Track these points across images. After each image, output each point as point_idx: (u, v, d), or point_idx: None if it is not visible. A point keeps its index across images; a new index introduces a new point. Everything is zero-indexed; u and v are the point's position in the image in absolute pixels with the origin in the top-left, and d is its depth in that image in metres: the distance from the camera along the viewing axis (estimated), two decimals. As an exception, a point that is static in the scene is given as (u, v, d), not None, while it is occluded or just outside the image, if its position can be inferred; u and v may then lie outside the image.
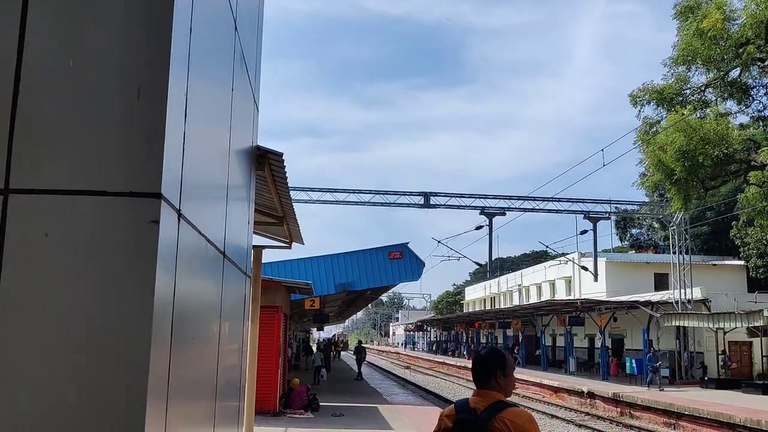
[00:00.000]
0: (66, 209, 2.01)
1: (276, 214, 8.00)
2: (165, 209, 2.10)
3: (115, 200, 2.02)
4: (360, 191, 33.44)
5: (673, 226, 33.39)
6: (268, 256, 18.45)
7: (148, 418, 1.96)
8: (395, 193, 34.14)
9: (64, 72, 2.07)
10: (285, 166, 5.55)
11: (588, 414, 25.04)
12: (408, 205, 34.28)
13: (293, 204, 8.65)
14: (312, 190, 32.57)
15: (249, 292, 5.01)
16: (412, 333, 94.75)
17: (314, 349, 34.52)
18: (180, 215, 2.35)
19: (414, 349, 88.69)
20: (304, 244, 10.58)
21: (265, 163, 5.29)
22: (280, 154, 5.14)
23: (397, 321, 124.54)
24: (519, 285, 59.18)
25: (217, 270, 3.36)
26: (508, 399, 3.43)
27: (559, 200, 35.15)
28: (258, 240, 10.53)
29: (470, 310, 68.94)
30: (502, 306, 57.83)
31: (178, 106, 2.26)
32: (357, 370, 33.59)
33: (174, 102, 2.17)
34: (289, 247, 10.44)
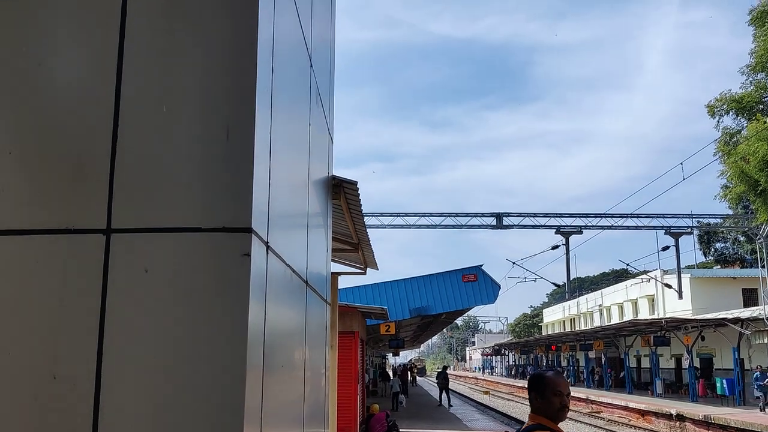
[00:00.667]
0: (164, 246, 2.13)
1: (351, 240, 8.13)
2: (255, 242, 2.20)
3: (209, 236, 2.13)
4: (431, 215, 33.42)
5: (760, 239, 31.83)
6: (343, 282, 18.67)
7: (245, 444, 2.03)
8: (466, 215, 33.95)
9: (158, 116, 2.21)
10: (359, 194, 5.66)
11: (679, 438, 23.97)
12: (480, 226, 34.01)
13: (368, 234, 8.77)
14: (383, 215, 32.78)
15: (329, 318, 5.10)
16: (489, 357, 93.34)
17: (391, 374, 34.44)
18: (268, 247, 2.45)
19: (492, 374, 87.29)
20: (378, 269, 10.69)
21: (340, 192, 5.42)
22: (355, 183, 5.25)
23: (474, 345, 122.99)
24: (599, 305, 57.54)
25: (300, 298, 3.46)
26: (545, 421, 3.43)
27: (638, 216, 34.11)
28: (334, 267, 10.70)
29: (549, 333, 67.39)
30: (583, 327, 56.28)
31: (264, 143, 2.37)
32: (439, 396, 32.95)
33: (260, 140, 2.28)
34: (364, 273, 10.56)
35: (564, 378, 3.59)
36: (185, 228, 2.14)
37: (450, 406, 31.46)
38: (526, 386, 3.60)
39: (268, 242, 2.44)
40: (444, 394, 32.70)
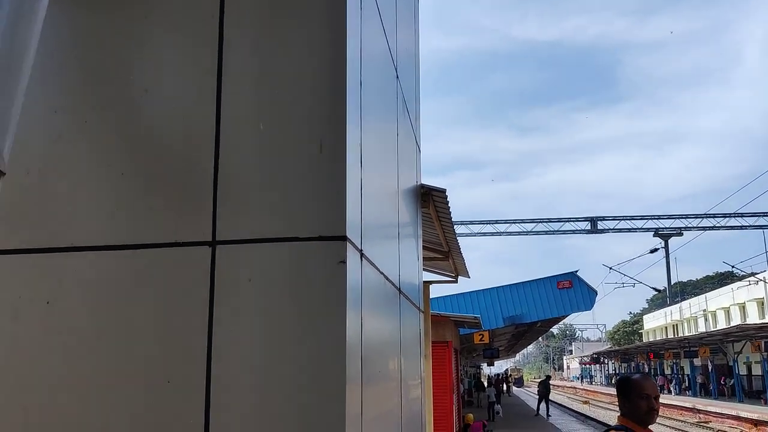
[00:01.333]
0: (264, 256, 2.24)
1: (441, 249, 8.15)
2: (350, 250, 2.27)
3: (306, 245, 2.22)
4: (522, 221, 32.94)
5: None
6: (435, 292, 18.71)
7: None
8: (559, 220, 33.25)
9: (255, 133, 2.32)
10: (448, 202, 5.68)
11: (799, 451, 22.42)
12: (573, 231, 33.23)
13: (458, 242, 8.76)
14: (472, 223, 32.61)
15: (422, 327, 5.14)
16: (588, 366, 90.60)
17: (486, 384, 34.03)
18: (362, 255, 2.51)
19: (591, 383, 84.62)
20: (469, 277, 10.63)
21: (429, 201, 5.46)
22: (443, 191, 5.28)
23: (571, 354, 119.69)
24: (704, 310, 54.78)
25: (394, 305, 3.52)
26: (631, 424, 3.38)
27: (742, 215, 32.38)
28: (425, 275, 10.73)
29: (650, 340, 64.74)
30: (686, 333, 53.74)
31: (355, 154, 2.44)
32: (537, 406, 32.27)
33: (351, 151, 2.36)
34: (456, 281, 10.53)
35: (651, 380, 3.53)
36: (284, 238, 2.24)
37: (548, 416, 30.69)
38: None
39: (362, 250, 2.51)
40: (543, 404, 32.03)
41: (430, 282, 10.85)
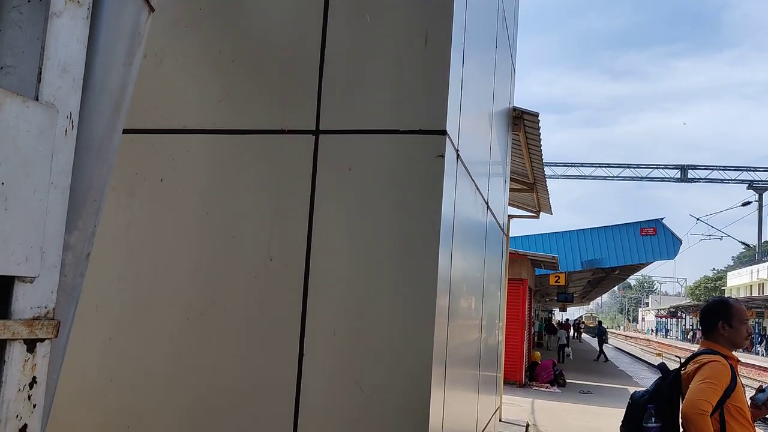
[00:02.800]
0: (365, 146, 2.29)
1: (526, 180, 8.04)
2: (448, 146, 2.29)
3: (407, 137, 2.26)
4: (608, 165, 31.95)
5: None
6: (513, 231, 18.53)
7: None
8: (648, 166, 32.05)
9: (362, 25, 2.35)
10: (540, 128, 5.58)
11: None
12: (662, 179, 32.00)
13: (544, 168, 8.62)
14: (556, 164, 31.87)
15: (505, 248, 5.15)
16: (664, 319, 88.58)
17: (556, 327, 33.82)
18: (458, 155, 2.54)
19: (666, 337, 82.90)
20: (552, 213, 10.48)
21: (520, 125, 5.37)
22: (536, 114, 5.18)
23: (647, 306, 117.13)
24: (795, 270, 52.23)
25: (482, 216, 3.54)
26: (722, 349, 3.26)
27: None
28: (508, 210, 10.67)
29: (734, 297, 62.47)
30: (774, 293, 51.50)
31: (458, 52, 2.44)
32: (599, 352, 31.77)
33: (455, 49, 2.35)
34: (537, 217, 10.40)
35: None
36: (385, 130, 2.28)
37: (605, 360, 30.23)
38: (704, 312, 3.45)
39: (458, 150, 2.53)
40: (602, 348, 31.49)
41: (512, 216, 10.77)
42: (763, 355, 45.96)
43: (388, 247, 2.22)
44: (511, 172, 7.95)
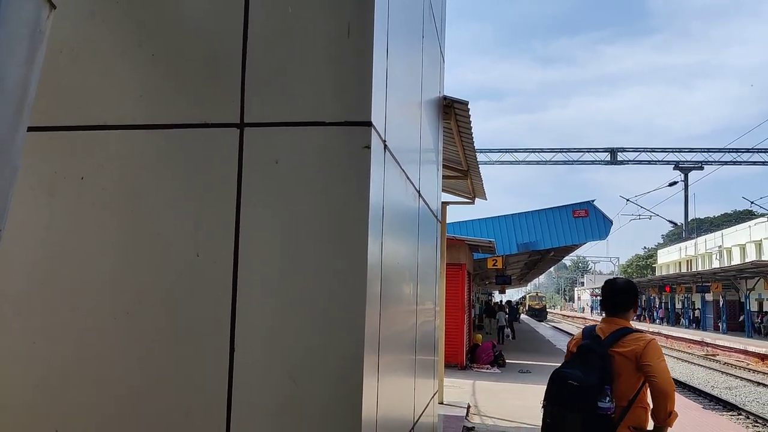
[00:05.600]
0: (291, 139, 2.29)
1: (460, 167, 8.16)
2: (375, 137, 2.31)
3: (332, 129, 2.26)
4: (541, 150, 32.67)
5: None
6: (450, 217, 18.77)
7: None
8: (578, 150, 32.93)
9: (284, 16, 2.33)
10: (470, 116, 5.66)
11: (803, 384, 22.79)
12: (593, 162, 32.96)
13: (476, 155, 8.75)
14: (491, 150, 32.39)
15: (440, 236, 5.22)
16: (598, 298, 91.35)
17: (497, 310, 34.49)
18: (386, 146, 2.56)
19: (601, 315, 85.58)
20: (486, 199, 10.66)
21: (451, 114, 5.45)
22: (466, 103, 5.26)
23: (582, 285, 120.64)
24: (719, 246, 54.70)
25: (413, 204, 3.58)
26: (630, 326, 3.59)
27: (765, 151, 31.86)
28: (442, 196, 10.79)
29: (663, 274, 65.02)
30: (701, 269, 53.87)
31: (381, 43, 2.45)
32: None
33: (378, 39, 2.37)
34: (473, 202, 10.57)
35: None
36: (310, 122, 2.28)
37: (513, 338, 30.37)
38: (620, 291, 3.67)
39: (385, 141, 2.56)
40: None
41: (447, 203, 10.91)
42: (692, 328, 48.03)
43: (317, 238, 2.23)
44: (444, 159, 8.05)
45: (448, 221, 17.18)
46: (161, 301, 2.27)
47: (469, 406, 10.59)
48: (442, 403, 10.12)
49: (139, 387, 2.25)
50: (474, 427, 9.19)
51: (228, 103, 2.33)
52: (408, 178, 3.27)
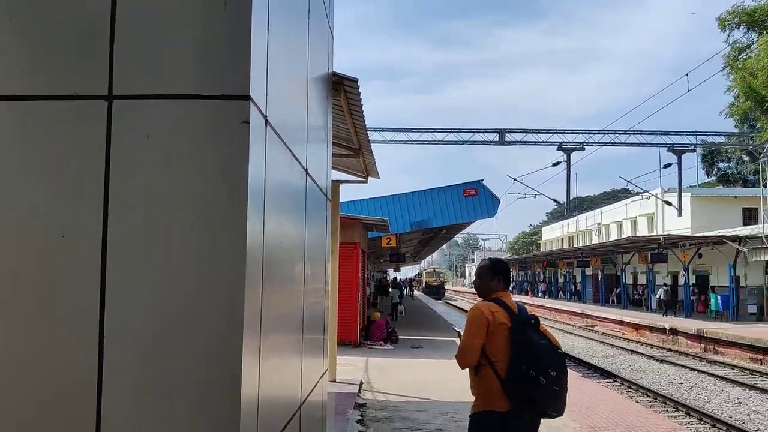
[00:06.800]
0: (164, 113, 2.17)
1: (352, 146, 8.14)
2: (254, 112, 2.24)
3: (208, 103, 2.16)
4: (434, 130, 33.26)
5: (764, 157, 31.76)
6: (344, 196, 18.78)
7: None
8: (469, 130, 33.79)
9: (156, -17, 2.20)
10: (360, 93, 5.63)
11: (670, 350, 24.69)
12: (483, 142, 33.92)
13: (369, 139, 8.76)
14: (385, 130, 32.64)
15: (329, 215, 5.19)
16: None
17: (390, 287, 35.03)
18: (267, 121, 2.49)
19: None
20: (380, 178, 10.73)
21: (340, 90, 5.39)
22: (356, 80, 5.22)
23: (473, 262, 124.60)
24: (598, 223, 57.99)
25: (299, 182, 3.52)
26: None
27: (641, 133, 33.94)
28: (335, 175, 10.76)
29: (547, 250, 68.24)
30: (581, 245, 56.96)
31: (261, 13, 2.37)
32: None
33: (258, 9, 2.28)
34: (365, 181, 10.61)
35: None
36: (184, 95, 2.17)
37: (403, 314, 30.58)
38: (492, 270, 4.05)
39: (267, 116, 2.48)
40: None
41: (340, 182, 10.91)
42: (573, 300, 50.81)
43: (193, 218, 2.13)
44: (336, 137, 8.00)
45: (342, 200, 17.19)
46: (25, 286, 2.11)
47: (361, 383, 10.71)
48: (334, 381, 10.18)
49: (3, 383, 2.09)
50: (366, 403, 9.32)
51: (95, 73, 2.17)
52: (293, 155, 3.21)
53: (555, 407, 3.71)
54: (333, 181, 10.58)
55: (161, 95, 2.17)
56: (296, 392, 3.54)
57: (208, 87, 2.16)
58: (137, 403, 2.09)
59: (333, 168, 10.46)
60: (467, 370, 3.92)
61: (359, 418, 8.33)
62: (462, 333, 3.86)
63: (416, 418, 8.58)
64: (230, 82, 2.17)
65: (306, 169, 3.71)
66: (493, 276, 3.94)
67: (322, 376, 4.87)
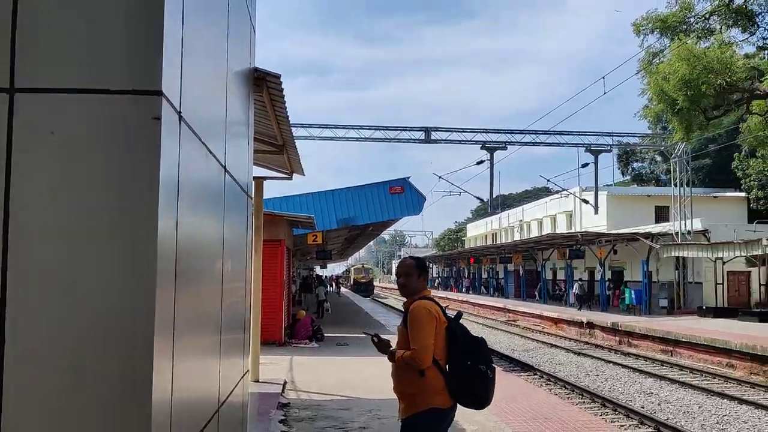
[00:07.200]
0: (70, 107, 2.09)
1: (275, 142, 8.05)
2: (166, 107, 2.17)
3: (117, 98, 2.09)
4: (360, 127, 33.28)
5: (674, 157, 33.35)
6: (269, 192, 18.59)
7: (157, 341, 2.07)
8: (396, 128, 34.01)
9: (61, -28, 2.11)
10: (283, 89, 5.57)
11: (587, 343, 25.61)
12: (408, 140, 34.18)
13: (293, 136, 8.68)
14: (311, 126, 32.43)
15: (251, 213, 5.12)
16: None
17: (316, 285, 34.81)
18: (181, 117, 2.42)
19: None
20: (304, 175, 10.65)
21: (263, 86, 5.32)
22: (278, 76, 5.15)
23: (400, 258, 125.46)
24: (520, 220, 59.51)
25: (217, 179, 3.45)
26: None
27: (560, 133, 35.02)
28: (259, 171, 10.61)
29: (472, 246, 69.53)
30: (504, 242, 58.31)
31: (175, 8, 2.30)
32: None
33: (171, 2, 2.21)
34: (290, 178, 10.50)
35: None
36: (92, 89, 2.09)
37: (328, 311, 30.26)
38: (419, 268, 4.05)
39: (181, 112, 2.42)
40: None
41: (264, 178, 10.77)
42: (495, 296, 51.97)
43: (101, 217, 2.06)
44: (259, 134, 7.90)
45: (267, 196, 16.95)
46: None
47: (285, 383, 10.62)
48: (258, 381, 10.06)
49: None
50: (289, 403, 9.24)
51: (-6, 64, 2.06)
52: (210, 151, 3.14)
53: (491, 398, 3.87)
54: (256, 177, 10.44)
55: (67, 89, 2.09)
56: (214, 394, 3.47)
57: (117, 82, 2.09)
58: (41, 411, 2.00)
59: (256, 164, 10.33)
60: (390, 370, 3.95)
61: (282, 418, 8.25)
62: (412, 334, 3.81)
63: (340, 416, 8.57)
64: (141, 76, 2.10)
65: (224, 166, 3.64)
66: (420, 274, 3.98)
67: (243, 376, 4.80)
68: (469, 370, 3.70)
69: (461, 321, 4.00)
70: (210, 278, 3.31)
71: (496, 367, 3.89)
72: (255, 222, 10.23)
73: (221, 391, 3.67)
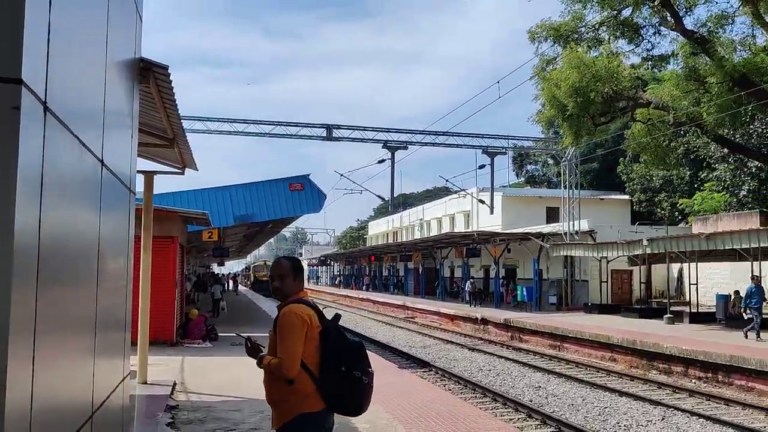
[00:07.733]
0: None
1: (166, 135, 7.77)
2: (28, 97, 2.05)
3: (-30, 84, 1.95)
4: (261, 122, 32.79)
5: (564, 161, 34.91)
6: (162, 187, 17.89)
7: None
8: (297, 124, 33.72)
9: None
10: (172, 81, 5.38)
11: (481, 339, 26.35)
12: (310, 137, 34.00)
13: (186, 131, 8.42)
14: (209, 119, 31.63)
15: (133, 207, 4.92)
16: (315, 267, 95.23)
17: (211, 283, 33.98)
18: (46, 107, 2.29)
19: (317, 284, 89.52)
20: (197, 169, 10.33)
21: (150, 77, 5.11)
22: (166, 67, 4.97)
23: (301, 256, 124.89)
24: (420, 219, 60.47)
25: (92, 173, 3.29)
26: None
27: (458, 135, 35.89)
28: (149, 165, 10.22)
29: (373, 244, 70.05)
30: (404, 240, 59.11)
31: (39, -8, 2.17)
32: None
33: (34, -15, 2.09)
34: (182, 173, 10.16)
35: None
36: (-59, 74, 1.94)
37: (224, 309, 29.46)
38: (294, 269, 3.90)
39: (46, 102, 2.29)
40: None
41: (154, 172, 10.38)
42: (396, 293, 52.59)
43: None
44: (149, 127, 7.60)
45: (159, 191, 16.34)
46: None
47: (174, 384, 10.28)
48: (145, 383, 9.70)
49: None
50: (178, 405, 8.97)
51: None
52: (83, 144, 2.98)
53: (367, 405, 3.77)
54: (145, 172, 10.05)
55: None
56: (87, 398, 3.31)
57: (-30, 67, 1.95)
58: None
59: (147, 158, 9.94)
60: (263, 377, 3.84)
61: (170, 420, 7.98)
62: (280, 342, 3.66)
63: (231, 417, 8.39)
64: (-1, 64, 1.97)
65: (101, 159, 3.47)
66: (296, 275, 3.85)
67: (123, 379, 4.61)
68: (343, 376, 3.62)
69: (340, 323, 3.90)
70: (83, 277, 3.15)
71: (373, 371, 3.79)
72: (144, 218, 9.85)
73: (96, 395, 3.51)
